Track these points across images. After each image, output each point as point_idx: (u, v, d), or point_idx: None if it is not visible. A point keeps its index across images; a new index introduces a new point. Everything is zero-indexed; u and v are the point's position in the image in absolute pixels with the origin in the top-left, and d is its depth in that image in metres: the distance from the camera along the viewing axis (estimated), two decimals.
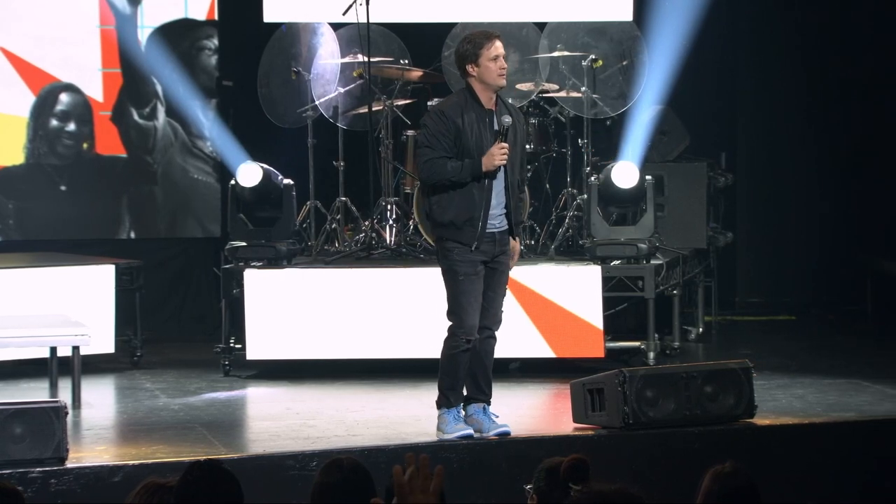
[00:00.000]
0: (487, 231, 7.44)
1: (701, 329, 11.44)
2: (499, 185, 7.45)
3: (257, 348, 9.90)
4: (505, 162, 7.39)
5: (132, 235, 12.23)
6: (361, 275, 9.95)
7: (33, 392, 9.25)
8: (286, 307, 9.89)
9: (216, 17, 12.25)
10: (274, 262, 10.16)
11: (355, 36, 10.73)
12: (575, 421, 7.95)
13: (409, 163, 10.99)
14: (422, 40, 11.22)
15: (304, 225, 10.72)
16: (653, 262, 10.19)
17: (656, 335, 10.05)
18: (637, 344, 10.07)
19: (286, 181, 10.44)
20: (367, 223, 10.63)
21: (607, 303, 9.94)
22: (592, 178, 10.45)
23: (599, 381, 7.82)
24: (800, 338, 11.65)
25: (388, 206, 10.63)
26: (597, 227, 10.30)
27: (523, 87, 10.83)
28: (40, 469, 6.92)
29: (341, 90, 10.86)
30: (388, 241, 10.54)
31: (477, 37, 7.50)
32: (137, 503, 4.57)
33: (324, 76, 10.93)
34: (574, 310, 9.78)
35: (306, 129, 10.76)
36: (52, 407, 7.08)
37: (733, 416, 7.87)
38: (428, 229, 7.64)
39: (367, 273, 9.96)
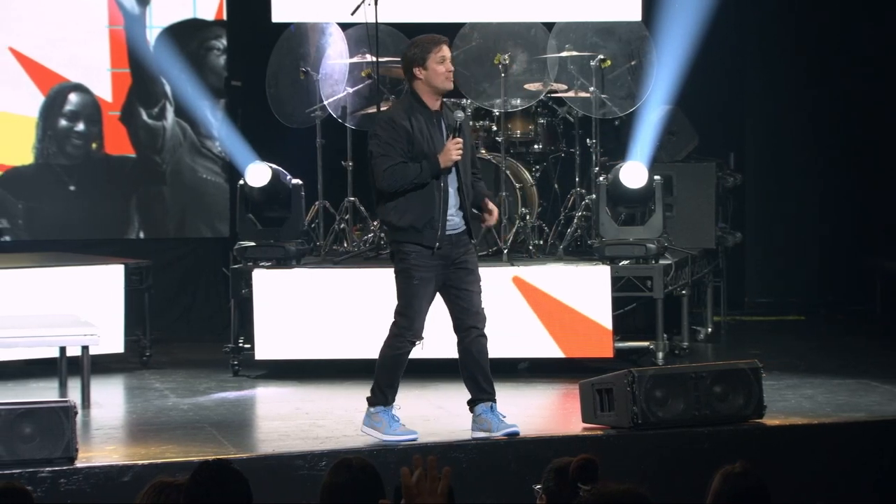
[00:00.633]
0: (446, 233, 7.48)
1: (710, 329, 11.44)
2: (453, 186, 7.54)
3: (266, 348, 9.90)
4: (460, 157, 7.47)
5: (141, 235, 12.24)
6: (370, 275, 9.95)
7: (43, 392, 9.27)
8: (295, 307, 9.89)
9: (225, 18, 12.26)
10: (283, 262, 10.16)
11: (364, 36, 10.73)
12: (584, 421, 7.95)
13: None
14: None
15: (313, 225, 10.72)
16: (661, 262, 10.18)
17: (665, 335, 10.05)
18: (646, 344, 10.06)
19: (295, 181, 10.44)
20: (375, 223, 10.63)
21: (616, 303, 9.94)
22: (601, 179, 10.45)
23: (608, 381, 7.82)
24: (809, 338, 11.65)
25: None
26: (605, 227, 10.30)
27: (532, 87, 10.82)
28: (50, 469, 6.93)
29: (350, 90, 10.86)
30: None
31: (425, 41, 7.60)
32: (147, 503, 4.57)
33: (332, 76, 10.93)
34: (583, 310, 9.78)
35: (315, 129, 10.76)
36: (61, 407, 7.09)
37: (743, 416, 7.86)
38: (389, 237, 7.66)
39: (375, 273, 9.95)
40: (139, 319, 10.56)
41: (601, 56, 10.72)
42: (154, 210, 12.24)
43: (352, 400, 9.08)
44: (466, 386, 7.70)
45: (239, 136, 11.56)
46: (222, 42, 12.30)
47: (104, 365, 9.98)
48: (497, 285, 9.82)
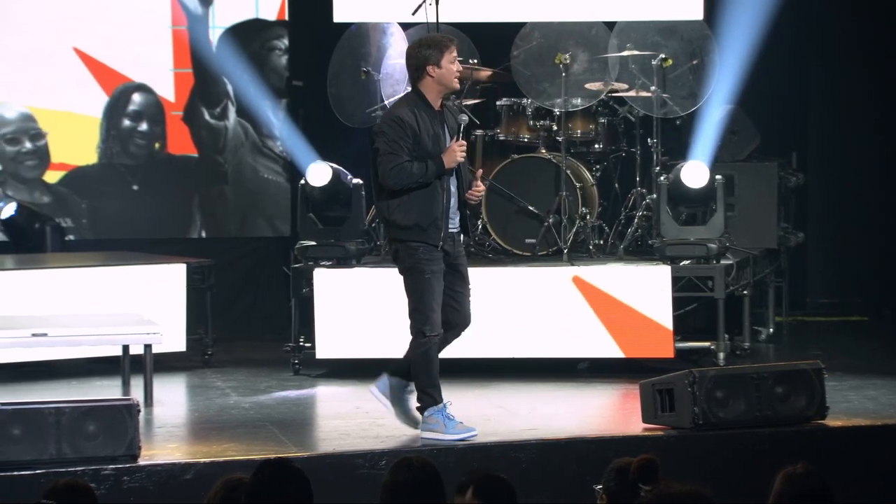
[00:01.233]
0: (449, 231, 7.62)
1: (771, 329, 11.38)
2: (453, 186, 7.66)
3: (327, 347, 9.94)
4: (464, 158, 7.62)
5: (203, 235, 12.32)
6: None
7: (106, 390, 9.34)
8: (355, 306, 9.92)
9: (286, 18, 12.32)
10: (343, 261, 10.19)
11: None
12: (644, 421, 7.93)
13: (477, 163, 10.99)
14: (490, 40, 11.21)
15: (374, 224, 10.74)
16: (723, 262, 10.14)
17: (726, 336, 10.00)
18: (707, 344, 10.02)
19: (355, 181, 10.47)
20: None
21: (677, 303, 9.90)
22: (662, 178, 10.41)
23: (669, 381, 7.79)
24: (872, 338, 11.56)
25: None
26: (666, 227, 10.26)
27: (592, 86, 10.80)
28: (113, 466, 6.97)
29: (410, 90, 10.87)
30: None
31: (439, 40, 7.73)
32: (216, 500, 4.61)
33: (393, 76, 10.95)
34: (643, 310, 9.75)
35: None
36: (124, 405, 7.15)
37: (805, 417, 7.81)
38: (390, 234, 7.77)
39: None
40: (201, 318, 10.62)
41: (663, 55, 10.68)
42: (216, 209, 12.32)
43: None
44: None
45: (300, 136, 11.61)
46: (284, 42, 12.36)
47: (166, 363, 10.04)
48: (557, 285, 9.82)
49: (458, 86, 7.83)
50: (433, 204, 7.55)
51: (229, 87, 12.25)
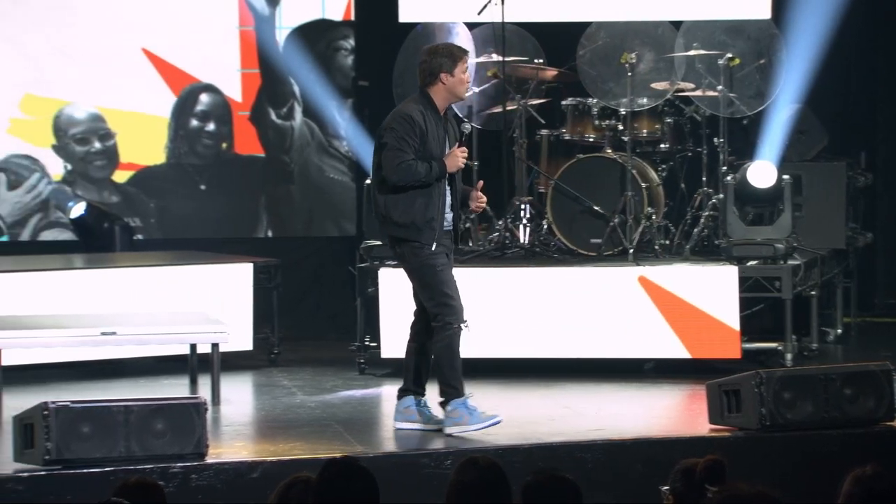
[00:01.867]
0: (443, 229, 7.81)
1: (840, 330, 11.29)
2: (448, 189, 7.81)
3: (392, 346, 9.94)
4: (464, 165, 7.87)
5: (269, 234, 12.38)
6: (495, 274, 9.97)
7: (174, 388, 9.41)
8: None
9: (353, 18, 12.36)
10: None
11: (490, 35, 10.75)
12: (711, 422, 7.89)
13: (543, 162, 10.99)
14: (556, 39, 11.20)
15: None
16: (790, 262, 10.08)
17: (794, 336, 9.94)
18: (774, 345, 9.96)
19: None
20: (500, 222, 10.65)
21: (744, 303, 9.85)
22: (729, 178, 10.37)
23: (736, 382, 7.75)
24: None
25: (522, 206, 10.64)
26: (733, 227, 10.21)
27: (659, 86, 10.76)
28: (181, 464, 7.02)
29: (476, 90, 10.88)
30: (521, 241, 10.55)
31: (454, 50, 7.92)
32: (281, 500, 4.63)
33: None
34: (710, 310, 9.70)
35: None
36: (192, 403, 7.19)
37: (873, 418, 7.75)
38: (386, 230, 7.84)
39: (500, 272, 9.97)
40: (267, 317, 10.68)
41: (729, 55, 10.63)
42: (282, 209, 12.38)
43: (476, 399, 9.09)
44: (415, 374, 7.89)
45: (366, 136, 11.65)
46: (350, 42, 12.40)
47: (233, 362, 10.10)
48: (623, 285, 9.80)
49: (465, 96, 8.11)
50: (430, 205, 7.72)
51: (296, 88, 12.30)
